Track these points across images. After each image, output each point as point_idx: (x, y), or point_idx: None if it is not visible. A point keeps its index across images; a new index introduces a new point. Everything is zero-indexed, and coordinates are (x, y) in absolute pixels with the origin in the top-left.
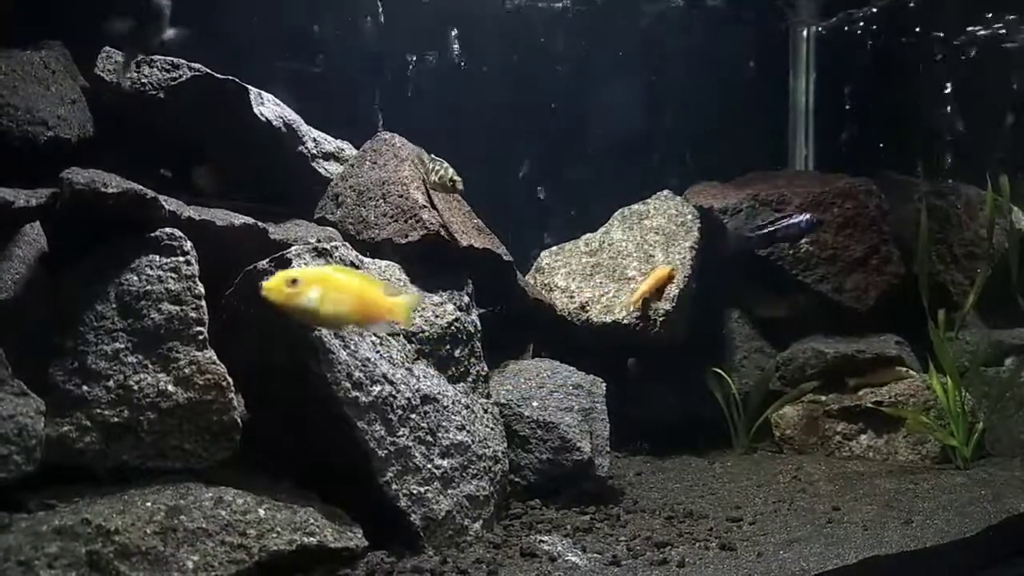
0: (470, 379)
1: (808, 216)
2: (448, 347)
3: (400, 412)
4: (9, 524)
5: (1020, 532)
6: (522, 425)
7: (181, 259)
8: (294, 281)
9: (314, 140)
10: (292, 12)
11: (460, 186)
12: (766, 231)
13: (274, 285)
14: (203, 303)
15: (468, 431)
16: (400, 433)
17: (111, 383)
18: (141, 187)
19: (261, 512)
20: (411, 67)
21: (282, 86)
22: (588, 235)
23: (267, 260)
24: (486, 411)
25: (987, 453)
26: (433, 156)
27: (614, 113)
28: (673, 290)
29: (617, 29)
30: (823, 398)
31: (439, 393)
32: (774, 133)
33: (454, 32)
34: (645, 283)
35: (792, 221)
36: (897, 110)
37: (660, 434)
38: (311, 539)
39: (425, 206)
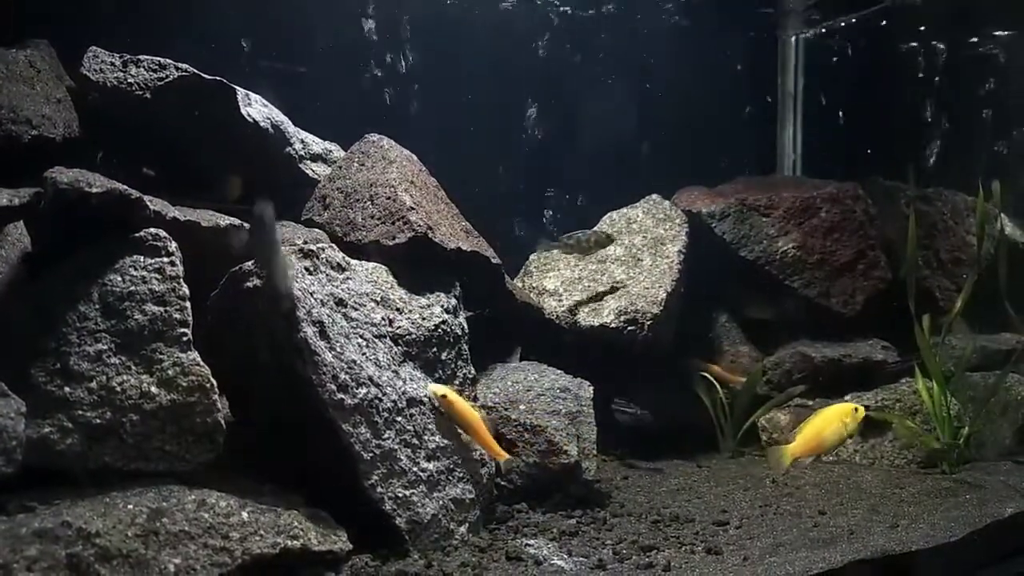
0: (457, 382)
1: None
2: (435, 350)
3: (386, 415)
4: None
5: (1005, 536)
6: (509, 428)
7: (166, 260)
8: None
9: (302, 141)
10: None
11: None
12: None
13: None
14: (187, 304)
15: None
16: (386, 436)
17: (93, 384)
18: (126, 187)
19: (244, 515)
20: (403, 70)
21: (278, 87)
22: None
23: (252, 261)
24: None
25: (973, 457)
26: None
27: (603, 118)
28: (661, 294)
29: (606, 36)
30: (810, 402)
31: (425, 396)
32: (763, 138)
33: (446, 36)
34: None
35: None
36: (886, 116)
37: (647, 438)
38: (295, 542)
39: (413, 208)
